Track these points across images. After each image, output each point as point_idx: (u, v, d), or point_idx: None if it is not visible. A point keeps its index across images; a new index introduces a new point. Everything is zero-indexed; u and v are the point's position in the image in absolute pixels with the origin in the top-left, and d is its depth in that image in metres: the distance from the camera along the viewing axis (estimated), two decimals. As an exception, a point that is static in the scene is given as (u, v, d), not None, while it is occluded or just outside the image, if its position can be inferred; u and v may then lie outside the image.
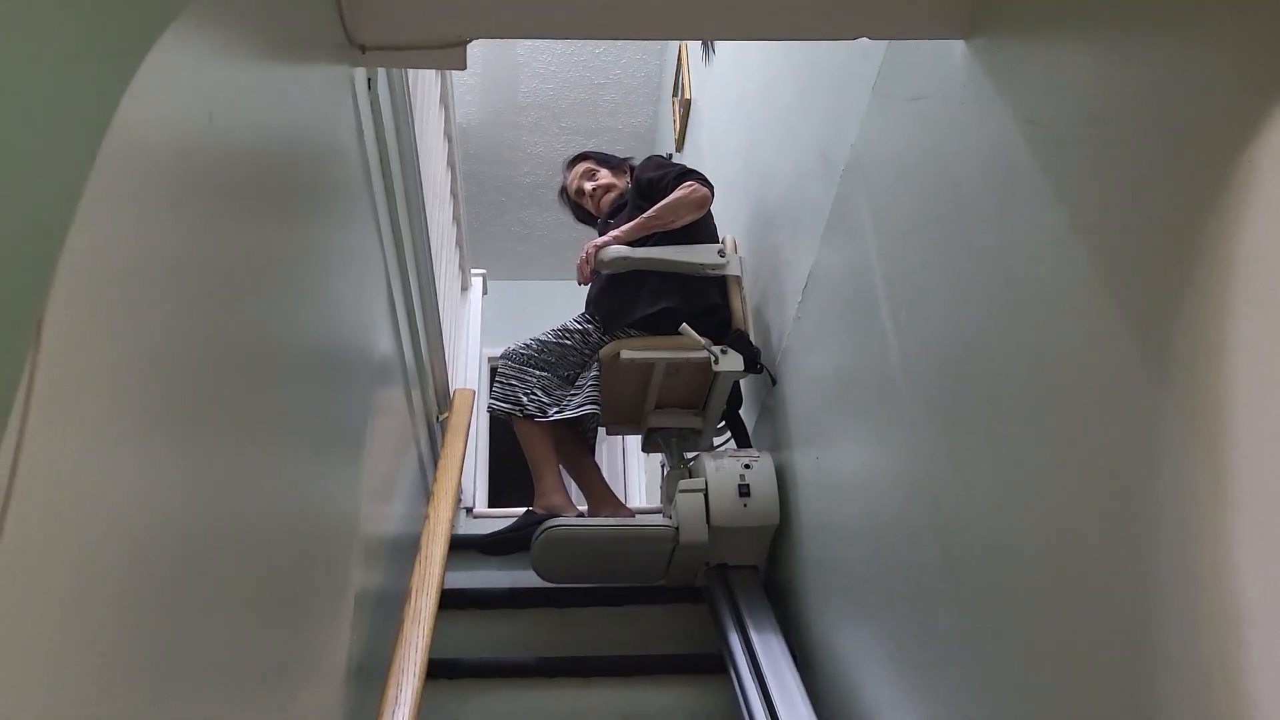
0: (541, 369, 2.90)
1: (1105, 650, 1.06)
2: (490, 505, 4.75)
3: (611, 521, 2.70)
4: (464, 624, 2.51)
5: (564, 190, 3.38)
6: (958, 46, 1.44)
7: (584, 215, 3.34)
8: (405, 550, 2.15)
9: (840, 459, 2.13)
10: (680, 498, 2.57)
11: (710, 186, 2.93)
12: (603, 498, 3.02)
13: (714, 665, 2.34)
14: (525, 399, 2.86)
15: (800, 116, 2.46)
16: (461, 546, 2.86)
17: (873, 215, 1.86)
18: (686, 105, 4.43)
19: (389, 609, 1.89)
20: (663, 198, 2.88)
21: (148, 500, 0.71)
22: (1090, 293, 1.10)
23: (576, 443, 3.01)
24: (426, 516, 2.26)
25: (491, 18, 1.36)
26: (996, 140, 1.33)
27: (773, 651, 2.23)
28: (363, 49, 1.37)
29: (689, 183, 2.90)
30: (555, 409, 2.83)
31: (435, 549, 2.04)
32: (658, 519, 2.78)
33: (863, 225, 1.91)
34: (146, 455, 0.71)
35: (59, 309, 0.54)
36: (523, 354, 2.94)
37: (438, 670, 2.20)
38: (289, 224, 1.13)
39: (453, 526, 2.91)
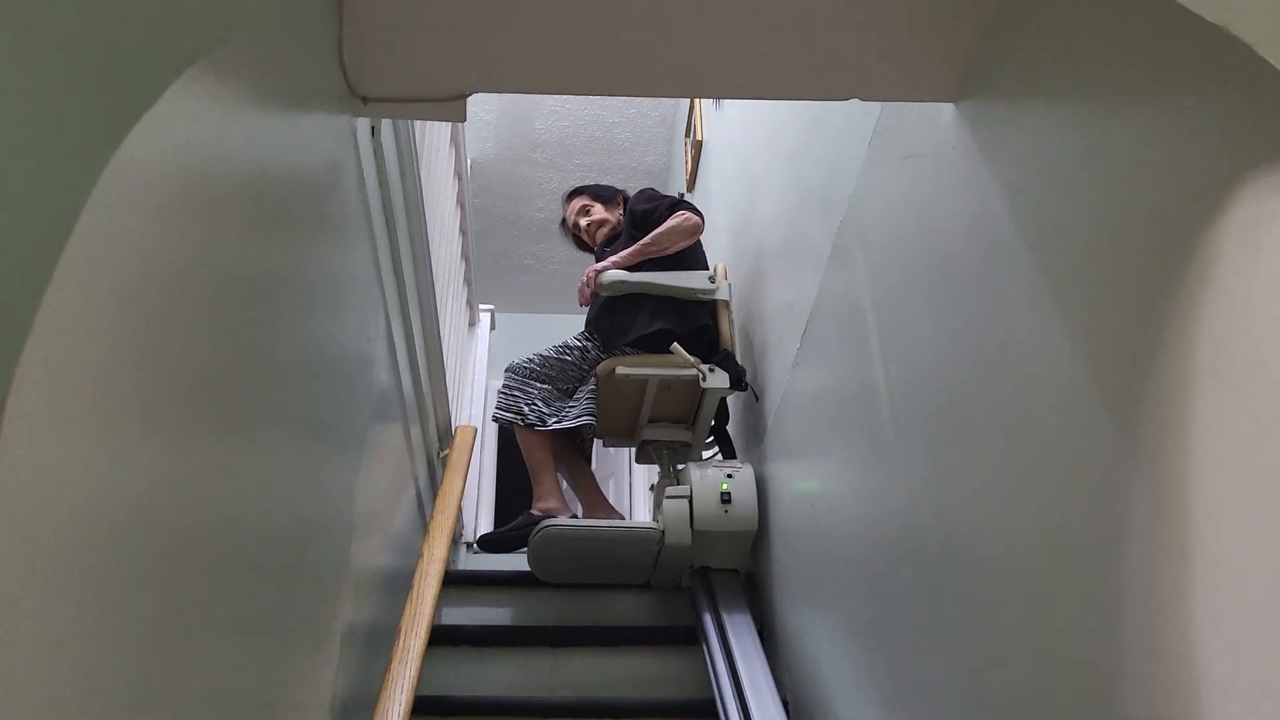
0: (543, 381, 3.09)
1: (1074, 709, 1.06)
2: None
3: (603, 523, 2.90)
4: (457, 661, 2.51)
5: (564, 221, 3.61)
6: (948, 109, 1.46)
7: (583, 245, 3.55)
8: (398, 586, 2.16)
9: (831, 497, 2.14)
10: (667, 503, 2.76)
11: (700, 215, 3.15)
12: (596, 503, 3.20)
13: (707, 711, 2.34)
14: (527, 409, 3.03)
15: (803, 165, 2.49)
16: (458, 582, 2.87)
17: (867, 267, 1.88)
18: (698, 146, 4.47)
19: (378, 646, 1.90)
20: (656, 227, 3.09)
21: (127, 516, 0.73)
22: (1065, 359, 1.11)
23: (574, 451, 3.19)
24: (421, 554, 2.28)
25: (491, 73, 1.39)
26: (982, 203, 1.35)
27: (747, 648, 2.36)
28: (365, 100, 1.41)
29: (681, 212, 3.12)
30: (554, 419, 3.01)
31: (427, 588, 2.05)
32: (647, 522, 2.97)
33: (858, 277, 1.93)
34: (129, 471, 0.73)
35: (54, 315, 0.59)
36: (525, 367, 3.12)
37: (429, 707, 2.21)
38: (282, 261, 1.16)
39: (451, 562, 2.93)
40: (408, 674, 1.77)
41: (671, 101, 5.18)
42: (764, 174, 3.05)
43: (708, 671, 2.45)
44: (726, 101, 3.86)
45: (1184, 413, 0.90)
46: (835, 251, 2.10)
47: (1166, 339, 0.93)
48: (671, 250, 3.08)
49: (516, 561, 3.39)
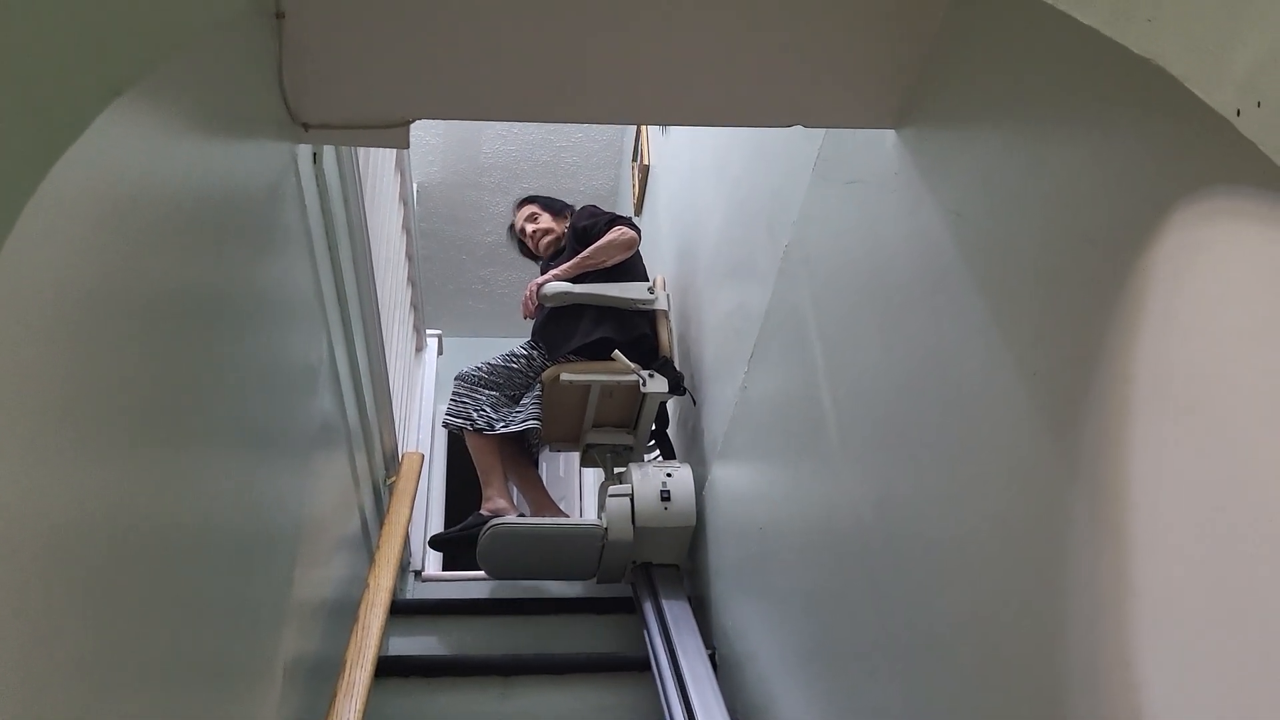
0: (490, 389, 3.23)
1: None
2: (445, 568, 4.68)
3: (548, 521, 3.06)
4: (405, 693, 2.47)
5: (512, 226, 3.75)
6: (889, 135, 1.48)
7: (527, 252, 3.68)
8: (343, 617, 2.12)
9: (780, 520, 2.14)
10: (609, 501, 2.91)
11: (637, 230, 3.31)
12: (543, 503, 3.34)
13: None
14: (475, 415, 3.17)
15: (748, 190, 2.51)
16: (406, 612, 2.83)
17: (813, 291, 1.90)
18: (645, 170, 4.49)
19: (323, 679, 1.86)
20: (595, 241, 3.25)
21: (53, 538, 0.70)
22: (1009, 382, 1.12)
23: (522, 455, 3.34)
24: (367, 585, 2.24)
25: (433, 99, 1.39)
26: (925, 229, 1.37)
27: (699, 674, 2.40)
28: (306, 127, 1.39)
29: (618, 227, 3.30)
30: (502, 424, 3.15)
31: (373, 620, 2.02)
32: (591, 519, 3.09)
33: (804, 301, 1.95)
34: (55, 490, 0.71)
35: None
36: (474, 375, 3.26)
37: (376, 741, 2.17)
38: (219, 284, 1.15)
39: (398, 591, 2.89)
40: (353, 708, 1.74)
41: (618, 126, 5.20)
42: (710, 198, 3.07)
43: (659, 697, 2.44)
44: (673, 127, 3.88)
45: (1121, 433, 0.91)
46: (781, 275, 2.11)
47: (1104, 360, 0.94)
48: (610, 263, 3.23)
49: (465, 589, 3.36)
